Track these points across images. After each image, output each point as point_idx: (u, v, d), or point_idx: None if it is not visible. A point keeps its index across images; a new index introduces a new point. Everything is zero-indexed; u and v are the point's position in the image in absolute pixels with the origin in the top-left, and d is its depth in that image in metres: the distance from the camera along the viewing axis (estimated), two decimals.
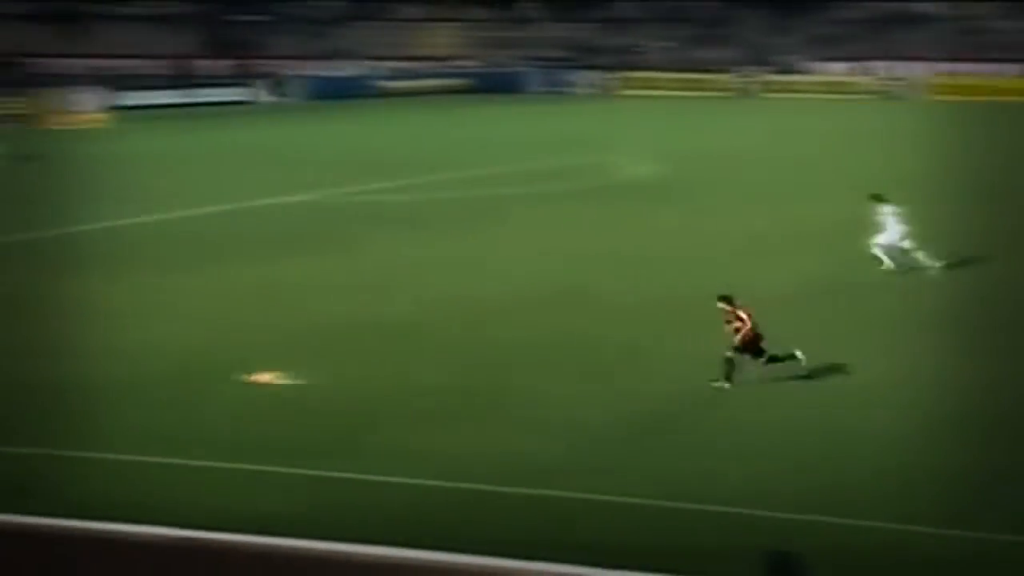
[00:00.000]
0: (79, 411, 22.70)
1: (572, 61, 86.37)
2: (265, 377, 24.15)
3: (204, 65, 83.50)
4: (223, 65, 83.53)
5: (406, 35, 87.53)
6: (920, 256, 30.44)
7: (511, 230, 37.42)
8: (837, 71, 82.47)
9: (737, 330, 21.93)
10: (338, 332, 26.71)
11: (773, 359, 21.93)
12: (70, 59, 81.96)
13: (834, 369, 22.84)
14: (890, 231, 30.55)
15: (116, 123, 65.57)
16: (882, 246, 30.61)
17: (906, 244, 30.50)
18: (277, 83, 79.13)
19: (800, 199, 42.17)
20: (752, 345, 21.92)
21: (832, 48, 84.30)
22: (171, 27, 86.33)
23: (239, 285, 30.39)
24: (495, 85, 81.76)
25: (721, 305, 22.27)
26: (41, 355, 24.76)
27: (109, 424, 21.65)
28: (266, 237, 36.17)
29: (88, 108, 68.75)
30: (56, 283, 30.24)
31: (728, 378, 21.86)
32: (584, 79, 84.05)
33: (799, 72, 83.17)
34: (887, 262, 30.43)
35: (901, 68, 79.37)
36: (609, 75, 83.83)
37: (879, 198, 30.95)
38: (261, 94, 76.78)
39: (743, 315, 22.06)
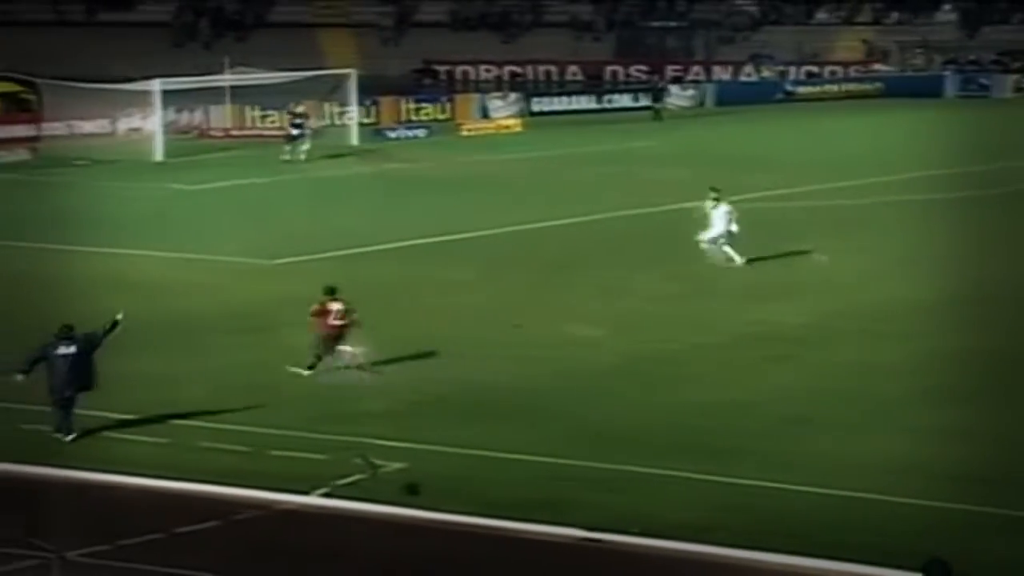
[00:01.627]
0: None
1: (993, 64, 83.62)
2: None
3: (616, 71, 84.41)
4: (635, 70, 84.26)
5: (818, 39, 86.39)
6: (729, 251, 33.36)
7: (937, 234, 36.81)
8: None
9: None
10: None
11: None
12: (486, 64, 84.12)
13: None
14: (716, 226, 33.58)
15: (529, 129, 66.95)
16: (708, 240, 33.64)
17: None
18: (687, 88, 79.37)
19: None
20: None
21: None
22: (585, 33, 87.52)
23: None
24: (909, 89, 79.92)
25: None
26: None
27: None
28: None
29: (503, 114, 70.46)
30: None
31: None
32: (1005, 82, 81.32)
33: None
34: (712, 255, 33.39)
35: None
36: None
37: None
38: (671, 99, 77.08)
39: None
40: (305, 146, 55.26)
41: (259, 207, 42.48)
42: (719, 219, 34.00)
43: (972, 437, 21.73)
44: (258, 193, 46.81)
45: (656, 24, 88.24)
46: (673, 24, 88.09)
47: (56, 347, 22.60)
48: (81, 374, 22.55)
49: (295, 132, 55.87)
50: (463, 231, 39.35)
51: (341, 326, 25.41)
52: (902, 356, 26.49)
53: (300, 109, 57.82)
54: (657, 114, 71.24)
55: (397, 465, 20.74)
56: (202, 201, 46.48)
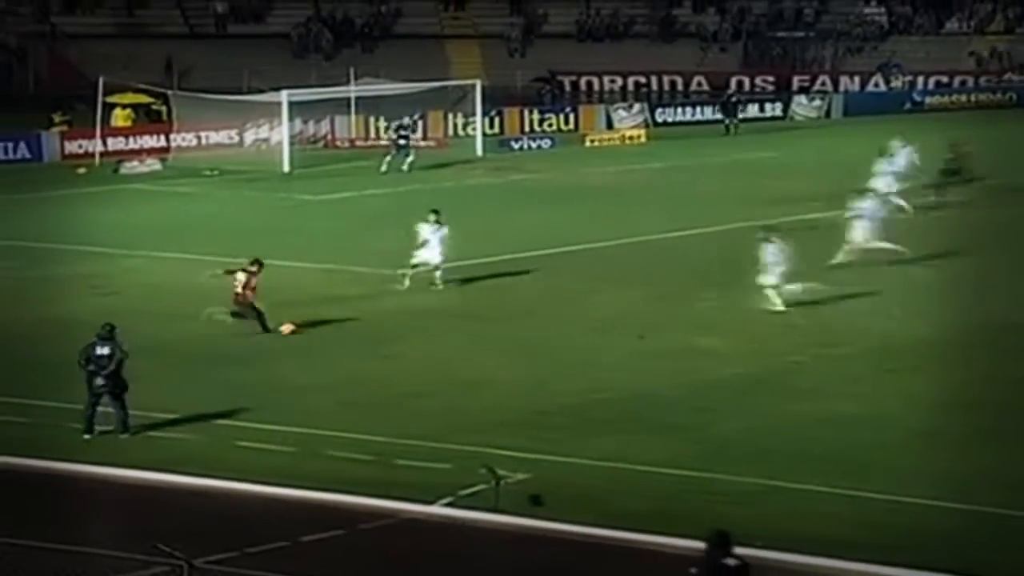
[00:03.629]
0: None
1: None
2: None
3: (742, 81, 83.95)
4: (761, 80, 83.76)
5: (948, 48, 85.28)
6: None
7: None
8: None
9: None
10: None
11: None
12: (611, 75, 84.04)
13: None
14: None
15: (654, 139, 66.73)
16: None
17: None
18: (814, 98, 78.70)
19: None
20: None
21: None
22: (710, 44, 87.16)
23: None
24: None
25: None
26: None
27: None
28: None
29: (627, 124, 70.31)
30: None
31: None
32: None
33: None
34: None
35: None
36: None
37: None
38: (798, 109, 76.49)
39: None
40: (410, 158, 55.56)
41: (385, 217, 42.66)
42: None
43: None
44: (383, 204, 47.09)
45: (783, 34, 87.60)
46: (800, 34, 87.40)
47: (95, 347, 23.53)
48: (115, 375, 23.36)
49: (401, 143, 56.29)
50: (587, 241, 39.36)
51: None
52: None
53: (407, 121, 58.27)
54: (728, 129, 69.03)
55: (521, 476, 20.79)
56: (330, 211, 46.88)
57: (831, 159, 55.88)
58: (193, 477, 21.08)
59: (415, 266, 33.97)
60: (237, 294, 29.91)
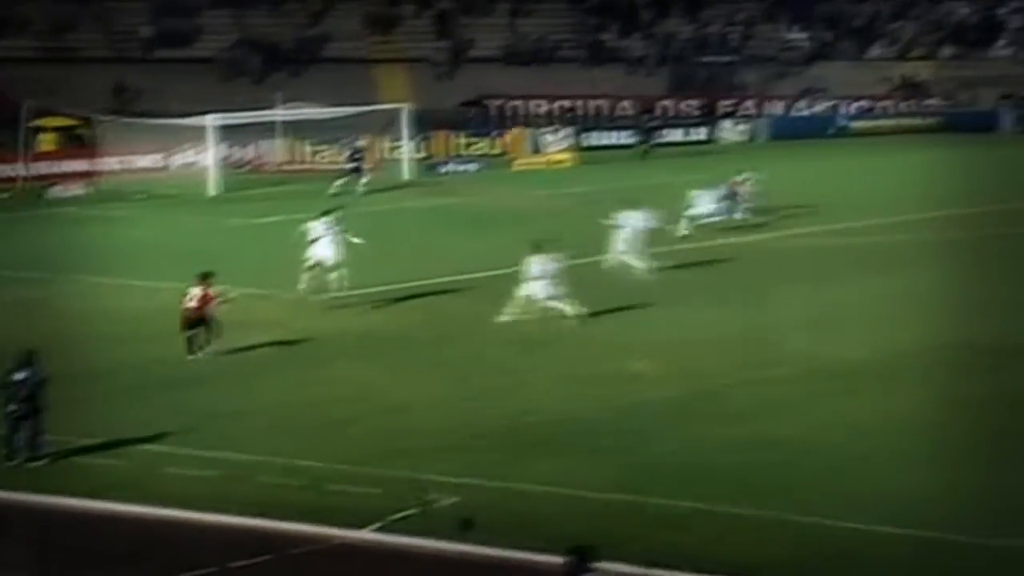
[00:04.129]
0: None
1: None
2: None
3: (668, 105, 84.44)
4: (687, 105, 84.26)
5: (873, 73, 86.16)
6: None
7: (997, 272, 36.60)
8: None
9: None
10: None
11: None
12: (538, 99, 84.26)
13: None
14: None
15: (580, 163, 66.97)
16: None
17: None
18: (739, 123, 79.25)
19: None
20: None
21: None
22: (638, 68, 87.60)
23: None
24: (963, 124, 79.57)
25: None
26: None
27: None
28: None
29: (554, 148, 70.54)
30: None
31: None
32: None
33: None
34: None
35: None
36: None
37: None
38: (723, 134, 77.03)
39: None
40: (364, 179, 55.85)
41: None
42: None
43: None
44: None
45: (709, 59, 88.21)
46: (726, 59, 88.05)
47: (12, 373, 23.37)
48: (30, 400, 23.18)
49: (353, 166, 56.36)
50: (514, 264, 39.41)
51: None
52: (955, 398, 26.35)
53: (361, 144, 58.33)
54: (644, 154, 69.23)
55: (451, 500, 20.74)
56: (258, 235, 46.66)
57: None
58: (120, 504, 20.90)
59: (310, 267, 34.23)
60: (191, 309, 29.72)
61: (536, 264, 32.26)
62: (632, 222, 37.49)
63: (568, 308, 31.93)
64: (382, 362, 29.50)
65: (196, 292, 29.90)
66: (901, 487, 21.20)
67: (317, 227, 35.00)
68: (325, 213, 35.48)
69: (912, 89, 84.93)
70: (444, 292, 36.01)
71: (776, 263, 39.82)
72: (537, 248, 32.62)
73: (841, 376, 27.65)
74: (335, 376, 28.30)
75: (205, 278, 30.19)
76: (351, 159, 57.13)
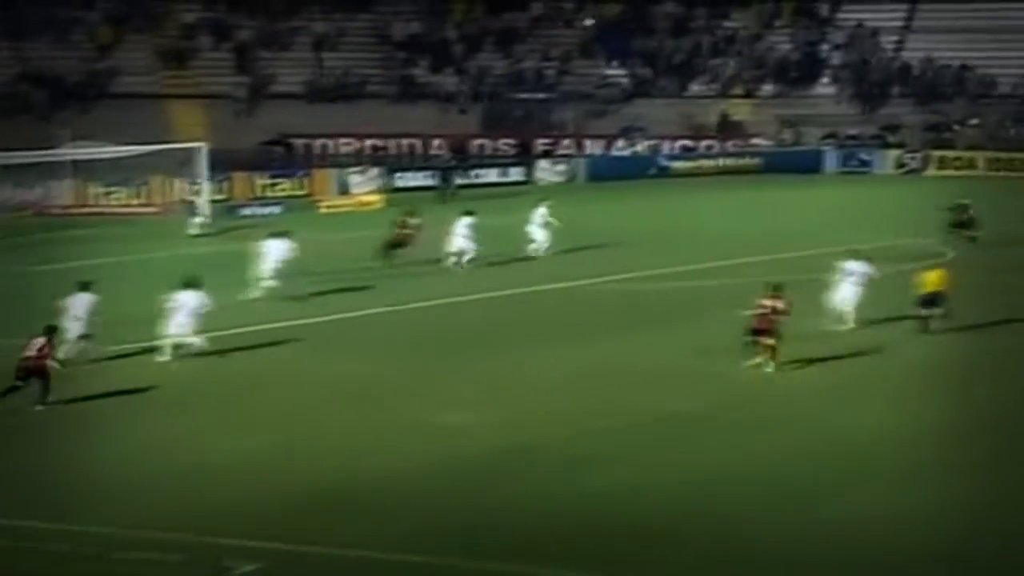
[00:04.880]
0: None
1: (873, 139, 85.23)
2: None
3: (483, 144, 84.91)
4: (503, 143, 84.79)
5: (694, 111, 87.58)
6: None
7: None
8: None
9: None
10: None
11: None
12: (345, 138, 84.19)
13: None
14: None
15: (392, 204, 66.82)
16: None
17: None
18: (557, 162, 79.94)
19: None
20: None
21: None
22: (449, 105, 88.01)
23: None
24: (788, 164, 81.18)
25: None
26: None
27: None
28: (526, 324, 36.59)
29: (363, 189, 70.44)
30: None
31: None
32: (886, 158, 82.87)
33: None
34: None
35: None
36: (913, 154, 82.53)
37: None
38: (540, 173, 77.59)
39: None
40: (198, 220, 56.55)
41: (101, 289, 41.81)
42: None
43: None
44: (97, 276, 46.16)
45: (524, 96, 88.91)
46: (542, 96, 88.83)
47: None
48: None
49: (194, 205, 57.43)
50: (324, 313, 39.29)
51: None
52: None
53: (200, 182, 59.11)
54: (442, 195, 68.49)
55: (250, 567, 20.52)
56: (43, 283, 45.77)
57: (571, 225, 56.79)
58: None
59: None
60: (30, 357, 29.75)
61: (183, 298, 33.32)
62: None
63: (197, 340, 33.22)
64: (186, 416, 29.10)
65: (40, 341, 29.89)
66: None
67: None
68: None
69: (731, 128, 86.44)
70: (249, 344, 35.65)
71: (586, 308, 40.32)
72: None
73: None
74: (133, 432, 27.85)
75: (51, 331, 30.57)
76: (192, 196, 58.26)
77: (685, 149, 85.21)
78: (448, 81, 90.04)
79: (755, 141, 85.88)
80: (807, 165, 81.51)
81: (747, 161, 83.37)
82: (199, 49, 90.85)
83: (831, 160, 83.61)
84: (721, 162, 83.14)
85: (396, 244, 47.71)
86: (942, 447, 26.98)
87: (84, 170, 63.13)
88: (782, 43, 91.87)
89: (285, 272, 41.67)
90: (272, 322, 37.82)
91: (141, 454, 26.57)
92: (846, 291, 36.14)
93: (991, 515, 22.85)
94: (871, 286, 36.46)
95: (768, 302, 31.71)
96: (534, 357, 33.96)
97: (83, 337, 33.59)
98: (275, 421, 28.67)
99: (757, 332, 31.66)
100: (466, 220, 47.83)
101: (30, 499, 23.80)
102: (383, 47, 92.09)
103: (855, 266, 36.40)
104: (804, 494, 23.86)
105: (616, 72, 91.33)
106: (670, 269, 46.17)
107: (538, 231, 49.98)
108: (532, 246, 49.56)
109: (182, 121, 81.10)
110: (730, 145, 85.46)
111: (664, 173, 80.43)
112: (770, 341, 31.46)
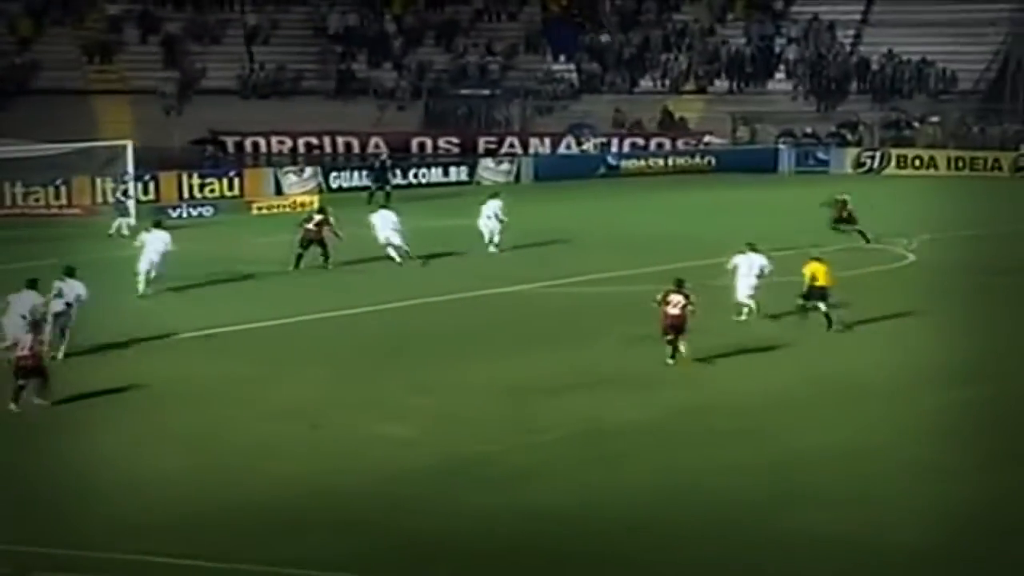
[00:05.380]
0: None
1: (830, 137, 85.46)
2: None
3: (424, 142, 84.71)
4: (444, 142, 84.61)
5: (645, 108, 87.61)
6: None
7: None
8: None
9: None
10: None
11: None
12: (280, 136, 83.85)
13: None
14: None
15: (329, 206, 66.36)
16: None
17: None
18: (502, 161, 79.81)
19: None
20: None
21: None
22: (389, 102, 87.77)
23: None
24: (742, 163, 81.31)
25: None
26: None
27: None
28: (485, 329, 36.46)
29: (298, 190, 70.08)
30: None
31: None
32: (844, 156, 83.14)
33: None
34: None
35: None
36: (871, 152, 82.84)
37: None
38: (485, 173, 77.43)
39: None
40: (128, 221, 55.97)
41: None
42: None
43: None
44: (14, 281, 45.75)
45: (467, 92, 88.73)
46: (485, 92, 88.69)
47: None
48: None
49: (123, 205, 56.69)
50: (258, 319, 38.99)
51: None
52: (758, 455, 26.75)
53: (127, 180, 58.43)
54: (373, 197, 66.62)
55: None
56: None
57: (515, 227, 56.73)
58: None
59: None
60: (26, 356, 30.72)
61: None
62: None
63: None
64: (112, 428, 28.78)
65: (27, 339, 31.06)
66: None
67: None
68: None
69: (677, 125, 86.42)
70: (178, 351, 35.33)
71: (537, 315, 40.19)
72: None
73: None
74: (53, 445, 27.51)
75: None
76: (123, 196, 57.37)
77: (635, 147, 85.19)
78: (387, 76, 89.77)
79: (708, 139, 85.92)
80: (762, 164, 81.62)
81: (699, 160, 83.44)
82: (125, 42, 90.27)
83: (787, 159, 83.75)
84: (673, 161, 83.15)
85: (307, 243, 47.67)
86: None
87: (3, 169, 62.46)
88: (735, 37, 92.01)
89: (164, 265, 42.27)
90: (198, 328, 37.50)
91: (63, 466, 26.23)
92: (745, 284, 38.59)
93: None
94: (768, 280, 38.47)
95: (678, 298, 33.37)
96: (480, 364, 33.77)
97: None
98: (207, 435, 28.34)
99: (672, 329, 33.43)
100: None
101: None
102: (319, 40, 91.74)
103: (754, 259, 38.83)
104: (751, 508, 23.80)
105: (563, 67, 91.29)
106: (621, 272, 46.04)
107: (488, 224, 50.80)
108: (492, 243, 50.61)
109: (107, 118, 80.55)
110: (683, 143, 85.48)
111: (614, 172, 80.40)
112: (683, 336, 33.38)
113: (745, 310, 38.43)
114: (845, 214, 51.92)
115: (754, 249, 39.12)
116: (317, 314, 39.97)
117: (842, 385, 32.16)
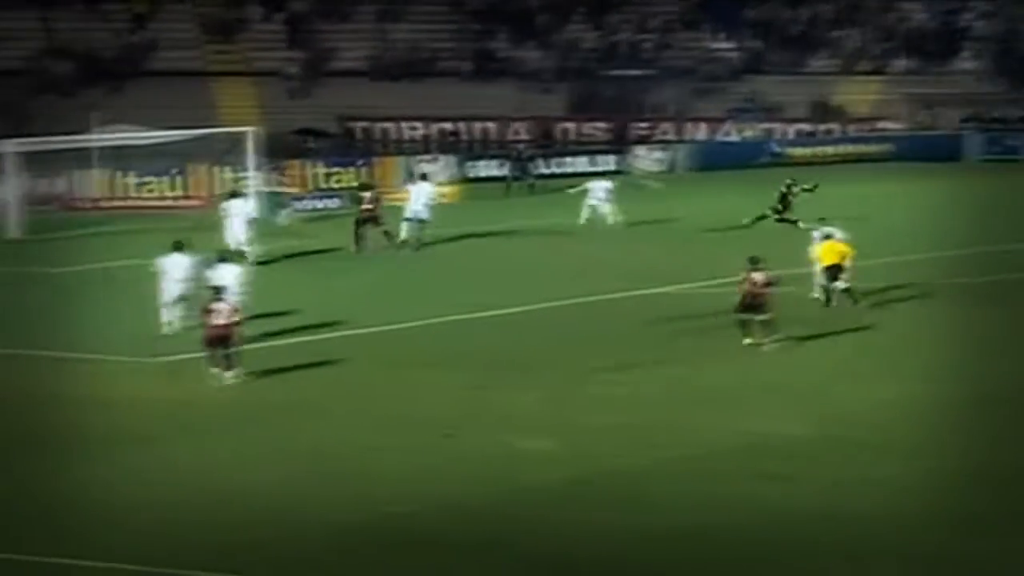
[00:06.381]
0: None
1: (1021, 122, 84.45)
2: None
3: (570, 128, 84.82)
4: (591, 128, 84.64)
5: (815, 91, 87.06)
6: None
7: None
8: None
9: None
10: None
11: None
12: (412, 121, 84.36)
13: None
14: None
15: (466, 197, 66.71)
16: None
17: None
18: (655, 149, 79.70)
19: None
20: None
21: None
22: (532, 84, 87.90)
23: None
24: (922, 151, 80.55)
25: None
26: None
27: None
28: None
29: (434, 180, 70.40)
30: None
31: None
32: None
33: None
34: None
35: None
36: None
37: None
38: (636, 162, 77.37)
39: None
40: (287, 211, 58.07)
41: (140, 295, 42.02)
42: None
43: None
44: (136, 277, 46.45)
45: (617, 73, 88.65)
46: (637, 73, 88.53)
47: None
48: None
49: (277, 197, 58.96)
50: (396, 321, 39.33)
51: None
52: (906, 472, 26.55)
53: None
54: (519, 187, 69.34)
55: None
56: (72, 286, 46.13)
57: (670, 221, 56.67)
58: None
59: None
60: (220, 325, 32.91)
61: None
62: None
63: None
64: (220, 440, 29.12)
65: (225, 308, 32.98)
66: None
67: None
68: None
69: (830, 114, 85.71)
70: (308, 359, 35.68)
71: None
72: None
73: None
74: (156, 459, 27.89)
75: None
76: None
77: (802, 134, 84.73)
78: (530, 56, 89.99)
79: (883, 124, 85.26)
80: (944, 152, 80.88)
81: (874, 147, 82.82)
82: (248, 20, 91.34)
83: (972, 146, 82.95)
84: (844, 148, 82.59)
85: (363, 223, 50.96)
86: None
87: (115, 158, 63.44)
88: (916, 12, 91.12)
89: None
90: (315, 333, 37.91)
91: (165, 479, 26.58)
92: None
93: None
94: None
95: (755, 276, 34.73)
96: (607, 374, 33.70)
97: (182, 299, 37.02)
98: (322, 447, 28.58)
99: (747, 308, 34.79)
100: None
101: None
102: (456, 17, 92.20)
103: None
104: None
105: (723, 46, 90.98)
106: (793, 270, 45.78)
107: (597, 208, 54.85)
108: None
109: (228, 102, 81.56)
110: (854, 129, 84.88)
111: (778, 161, 79.93)
112: (762, 317, 34.55)
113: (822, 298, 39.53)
114: (782, 200, 52.30)
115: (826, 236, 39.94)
116: (453, 316, 40.18)
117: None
